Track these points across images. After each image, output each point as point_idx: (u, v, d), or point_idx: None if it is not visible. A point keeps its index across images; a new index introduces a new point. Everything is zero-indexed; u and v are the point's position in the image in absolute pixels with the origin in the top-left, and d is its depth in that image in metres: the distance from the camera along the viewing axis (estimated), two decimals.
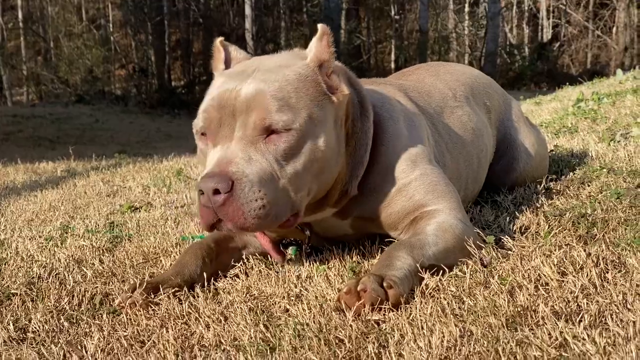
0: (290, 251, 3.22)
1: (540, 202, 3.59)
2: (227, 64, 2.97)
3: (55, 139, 19.54)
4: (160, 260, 3.37)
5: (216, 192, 2.48)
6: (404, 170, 2.97)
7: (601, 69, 35.33)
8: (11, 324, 2.60)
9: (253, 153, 2.58)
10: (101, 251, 3.63)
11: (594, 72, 31.74)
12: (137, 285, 2.76)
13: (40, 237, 4.02)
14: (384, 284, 2.41)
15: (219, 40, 3.00)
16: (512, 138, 4.00)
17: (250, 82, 2.66)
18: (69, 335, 2.51)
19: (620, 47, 36.70)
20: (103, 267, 3.30)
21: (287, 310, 2.54)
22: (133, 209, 4.84)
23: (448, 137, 3.47)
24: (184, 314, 2.59)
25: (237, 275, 3.02)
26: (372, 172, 2.97)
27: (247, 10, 31.08)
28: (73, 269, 3.30)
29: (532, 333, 2.05)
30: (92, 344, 2.36)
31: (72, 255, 3.54)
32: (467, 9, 37.80)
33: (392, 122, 3.05)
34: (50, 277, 3.19)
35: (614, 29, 38.68)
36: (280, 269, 3.04)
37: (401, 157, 2.99)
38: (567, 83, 12.63)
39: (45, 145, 17.87)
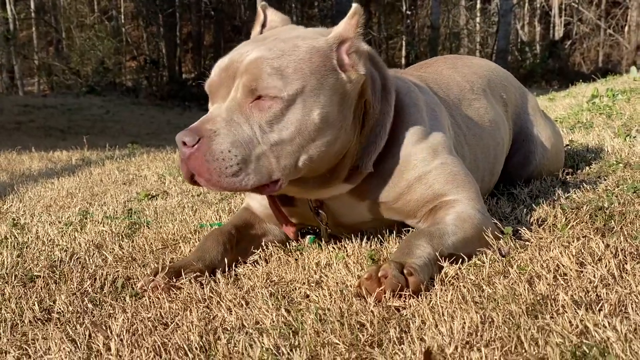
0: (308, 239, 3.26)
1: (556, 195, 3.61)
2: (263, 27, 3.07)
3: (66, 129, 19.54)
4: (180, 247, 3.40)
5: (185, 145, 2.60)
6: (424, 158, 3.00)
7: (613, 67, 35.21)
8: (36, 305, 2.64)
9: (237, 115, 2.64)
10: (120, 237, 3.67)
11: (606, 70, 31.69)
12: (160, 270, 2.80)
13: (59, 222, 4.07)
14: (404, 271, 2.44)
15: (260, 4, 3.12)
16: (529, 131, 4.02)
17: (259, 48, 2.71)
18: (94, 316, 2.55)
19: (632, 46, 36.53)
20: (123, 252, 3.34)
21: (308, 295, 2.57)
22: (150, 196, 4.88)
23: (466, 129, 3.50)
24: (206, 297, 2.62)
25: (256, 262, 3.06)
26: (392, 155, 2.99)
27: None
28: (93, 254, 3.34)
29: (553, 320, 2.07)
30: (117, 324, 2.39)
31: (92, 240, 3.58)
32: (478, 5, 37.73)
33: (415, 110, 3.07)
34: (72, 261, 3.24)
35: (626, 28, 38.55)
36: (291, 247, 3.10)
37: (422, 145, 3.01)
38: (580, 80, 12.61)
39: (57, 136, 17.87)
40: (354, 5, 2.81)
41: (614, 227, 2.95)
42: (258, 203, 3.22)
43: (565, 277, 2.44)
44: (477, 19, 37.27)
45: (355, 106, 2.84)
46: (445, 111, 3.33)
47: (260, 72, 2.63)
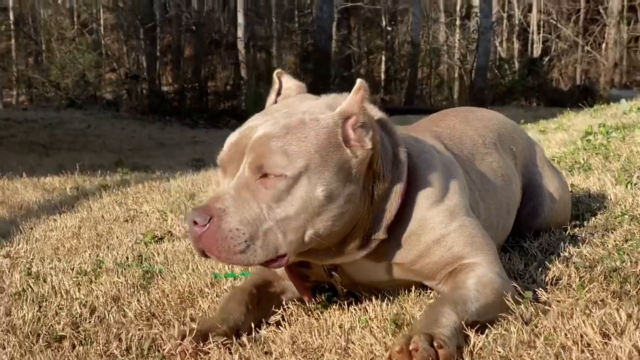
0: (325, 297, 3.30)
1: (567, 250, 3.67)
2: (278, 95, 3.15)
3: (48, 145, 19.45)
4: (198, 301, 3.43)
5: (196, 224, 2.68)
6: (442, 221, 3.05)
7: (590, 84, 35.58)
8: None
9: (244, 193, 2.72)
10: (136, 288, 3.69)
11: (584, 88, 32.03)
12: (187, 333, 2.83)
13: (72, 270, 4.08)
14: (435, 344, 2.48)
15: (276, 72, 3.19)
16: (537, 183, 4.09)
17: (267, 123, 2.79)
18: None
19: (610, 63, 36.98)
20: (141, 307, 3.36)
21: None
22: (156, 239, 4.91)
23: (481, 185, 3.55)
24: None
25: (279, 323, 3.09)
26: (407, 219, 3.03)
27: (240, 18, 31.21)
28: (111, 308, 3.37)
29: None
30: None
31: (108, 293, 3.60)
32: (458, 22, 37.97)
33: (429, 172, 3.11)
34: (93, 318, 3.26)
35: (604, 45, 38.96)
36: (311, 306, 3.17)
37: (439, 208, 3.06)
38: (568, 107, 12.72)
39: (39, 151, 17.77)
40: (359, 80, 2.84)
41: (629, 291, 3.01)
42: None
43: (590, 349, 2.49)
44: (457, 36, 37.48)
45: (364, 178, 2.88)
46: (460, 169, 3.37)
47: (265, 150, 2.71)
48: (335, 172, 2.76)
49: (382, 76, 38.20)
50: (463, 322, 2.67)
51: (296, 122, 2.78)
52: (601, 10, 40.58)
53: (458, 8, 38.52)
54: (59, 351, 2.88)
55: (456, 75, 36.34)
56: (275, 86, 3.15)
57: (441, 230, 3.04)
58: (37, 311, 3.35)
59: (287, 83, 3.17)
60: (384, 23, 38.67)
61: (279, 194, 2.70)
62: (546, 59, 38.54)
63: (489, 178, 3.65)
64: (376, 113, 3.04)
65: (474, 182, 3.50)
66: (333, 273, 3.12)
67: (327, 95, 3.04)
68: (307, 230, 2.77)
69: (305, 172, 2.71)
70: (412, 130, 3.58)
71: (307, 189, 2.72)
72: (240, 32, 31.21)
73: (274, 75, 3.18)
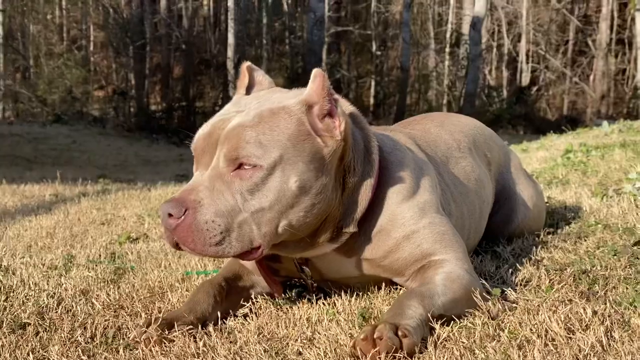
0: (294, 293, 3.29)
1: (539, 255, 3.68)
2: (250, 89, 3.12)
3: (32, 159, 19.40)
4: (167, 295, 3.41)
5: (170, 216, 2.66)
6: (412, 217, 3.05)
7: (578, 115, 35.79)
8: (30, 355, 2.64)
9: (219, 184, 2.72)
10: (106, 282, 3.67)
11: (571, 119, 32.21)
12: (152, 321, 2.82)
13: (42, 265, 4.06)
14: (399, 333, 2.48)
15: (245, 65, 3.16)
16: (511, 190, 4.10)
17: (239, 114, 2.80)
18: None
19: (597, 94, 37.22)
20: (110, 300, 3.34)
21: (301, 353, 2.60)
22: (131, 239, 4.89)
23: (453, 187, 3.56)
24: (200, 352, 2.64)
25: (247, 315, 3.08)
26: (378, 214, 3.04)
27: (230, 39, 31.20)
28: (80, 300, 3.34)
29: None
30: None
31: (77, 286, 3.58)
32: (447, 49, 38.18)
33: (401, 168, 3.12)
34: (60, 308, 3.23)
35: (592, 77, 39.22)
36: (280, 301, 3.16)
37: (409, 204, 3.07)
38: (551, 131, 12.78)
39: (23, 165, 17.73)
40: (315, 70, 2.84)
41: (598, 292, 3.01)
42: None
43: (554, 343, 2.49)
44: (446, 63, 37.68)
45: (336, 170, 2.89)
46: (433, 169, 3.39)
47: (240, 140, 2.71)
48: (307, 163, 2.76)
49: (372, 101, 38.30)
50: (429, 315, 2.67)
51: (267, 112, 2.78)
52: (589, 43, 40.89)
53: (448, 35, 38.71)
54: (22, 337, 2.85)
55: (445, 101, 36.49)
56: (245, 79, 3.13)
57: (411, 226, 3.04)
58: (3, 301, 3.32)
59: (259, 77, 3.16)
60: (374, 48, 38.83)
61: (254, 186, 2.70)
62: (534, 89, 38.77)
63: (462, 181, 3.66)
64: (347, 107, 3.05)
65: (447, 184, 3.51)
66: (304, 267, 3.11)
67: (298, 89, 3.04)
68: (280, 222, 2.77)
69: (279, 162, 2.71)
70: (387, 130, 3.58)
71: (281, 180, 2.72)
72: (230, 52, 31.23)
73: (243, 68, 3.15)
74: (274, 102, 2.84)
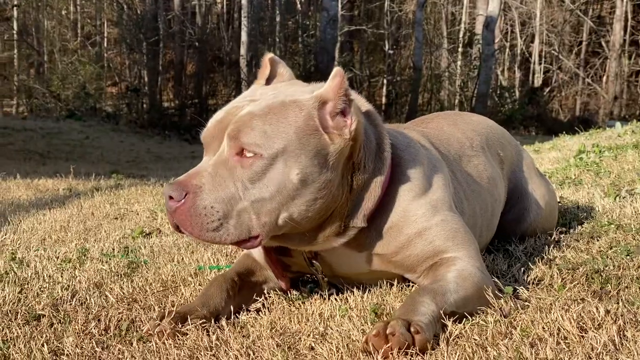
0: (307, 288, 3.30)
1: (551, 254, 3.69)
2: (270, 80, 3.13)
3: (45, 154, 19.48)
4: (180, 289, 3.43)
5: (171, 198, 2.69)
6: (424, 214, 3.06)
7: (590, 116, 35.69)
8: (45, 346, 2.66)
9: (222, 170, 2.74)
10: (120, 276, 3.69)
11: (583, 120, 32.10)
12: (166, 314, 2.84)
13: (56, 258, 4.09)
14: (411, 329, 2.49)
15: (268, 56, 3.18)
16: (523, 189, 4.10)
17: (252, 103, 2.82)
18: None
19: (610, 96, 37.11)
20: (124, 293, 3.37)
21: (313, 348, 2.61)
22: (144, 234, 4.91)
23: (466, 185, 3.57)
24: (213, 346, 2.65)
25: (259, 310, 3.10)
26: (389, 210, 3.04)
27: (243, 37, 31.23)
28: (94, 293, 3.37)
29: None
30: None
31: (91, 279, 3.61)
32: (460, 49, 38.10)
33: (414, 165, 3.12)
34: (74, 300, 3.26)
35: (605, 78, 39.12)
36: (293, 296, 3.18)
37: (422, 201, 3.08)
38: (564, 132, 12.76)
39: (36, 160, 17.80)
40: (336, 68, 2.86)
41: (610, 291, 3.01)
42: (258, 250, 3.26)
43: (567, 342, 2.50)
44: (459, 62, 37.61)
45: (343, 167, 2.89)
46: (445, 166, 3.39)
47: (245, 127, 2.72)
48: (311, 157, 2.76)
49: (384, 100, 38.26)
50: (441, 312, 2.68)
51: (278, 103, 2.80)
52: (603, 44, 40.79)
53: (461, 35, 38.63)
54: (36, 328, 2.88)
55: (457, 101, 36.40)
56: (266, 70, 3.14)
57: (423, 223, 3.04)
58: (18, 292, 3.36)
59: (280, 69, 3.18)
60: (386, 47, 38.79)
61: (255, 175, 2.72)
62: (547, 90, 38.68)
63: (474, 179, 3.67)
64: (364, 105, 3.06)
65: (459, 182, 3.52)
66: (314, 262, 3.12)
67: (317, 83, 3.05)
68: (281, 214, 2.78)
69: (282, 154, 2.72)
70: (401, 127, 3.59)
71: (282, 172, 2.73)
72: (243, 50, 31.23)
73: (266, 59, 3.16)
74: (289, 94, 2.86)
